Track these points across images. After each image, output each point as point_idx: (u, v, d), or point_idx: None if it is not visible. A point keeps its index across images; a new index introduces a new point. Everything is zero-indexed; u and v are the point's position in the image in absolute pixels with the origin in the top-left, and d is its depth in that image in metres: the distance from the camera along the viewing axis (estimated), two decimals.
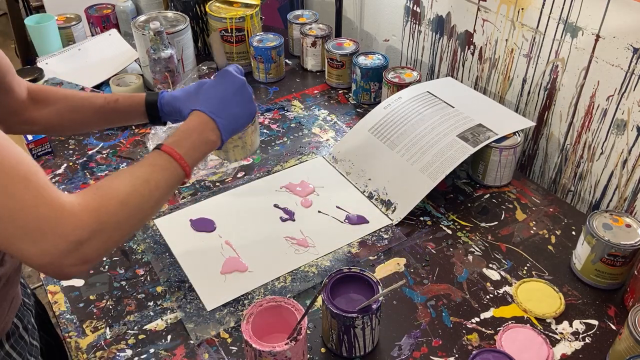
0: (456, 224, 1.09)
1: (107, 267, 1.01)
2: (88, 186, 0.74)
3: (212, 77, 0.90)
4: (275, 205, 1.13)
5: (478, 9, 1.29)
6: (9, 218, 0.57)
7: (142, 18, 1.46)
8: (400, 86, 1.32)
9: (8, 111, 0.88)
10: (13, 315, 0.81)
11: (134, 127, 1.34)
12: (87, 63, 1.50)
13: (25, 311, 0.85)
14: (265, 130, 1.34)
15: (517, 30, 1.22)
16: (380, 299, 0.81)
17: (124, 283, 0.98)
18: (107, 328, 0.90)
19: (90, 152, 1.27)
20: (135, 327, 0.90)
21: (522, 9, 1.19)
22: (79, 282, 0.98)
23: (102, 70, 1.48)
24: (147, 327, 0.90)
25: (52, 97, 0.93)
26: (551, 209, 1.12)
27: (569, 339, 0.87)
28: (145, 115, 0.95)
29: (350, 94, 1.48)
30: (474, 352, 0.80)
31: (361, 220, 1.09)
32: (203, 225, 1.08)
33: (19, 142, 1.23)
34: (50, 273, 0.62)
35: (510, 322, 0.90)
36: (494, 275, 0.98)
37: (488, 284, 0.97)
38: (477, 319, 0.91)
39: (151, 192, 0.71)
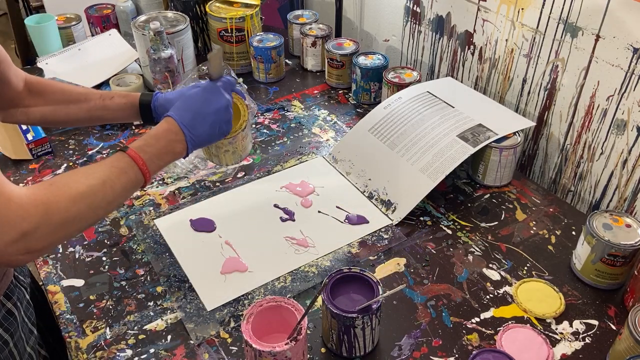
0: (456, 224, 1.09)
1: (107, 267, 1.01)
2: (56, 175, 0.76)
3: (201, 83, 0.90)
4: (275, 205, 1.13)
5: (478, 9, 1.29)
6: None
7: (142, 18, 1.46)
8: (400, 86, 1.32)
9: (4, 100, 0.88)
10: (1, 292, 0.81)
11: (134, 127, 1.34)
12: (87, 63, 1.50)
13: (16, 289, 0.85)
14: (265, 130, 1.34)
15: (517, 30, 1.22)
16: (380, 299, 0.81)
17: (124, 283, 0.98)
18: (107, 328, 0.90)
19: (90, 152, 1.27)
20: (135, 327, 0.90)
21: (522, 9, 1.19)
22: (79, 282, 0.98)
23: (102, 70, 1.48)
24: (147, 327, 0.90)
25: (49, 89, 0.93)
26: (551, 209, 1.12)
27: (569, 339, 0.87)
28: (139, 115, 0.96)
29: (350, 94, 1.48)
30: (474, 352, 0.80)
31: (361, 220, 1.09)
32: (203, 225, 1.08)
33: (18, 142, 1.23)
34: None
35: (510, 322, 0.90)
36: (494, 275, 0.98)
37: (488, 284, 0.97)
38: (477, 319, 0.91)
39: (105, 194, 0.71)
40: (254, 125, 1.36)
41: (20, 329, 0.85)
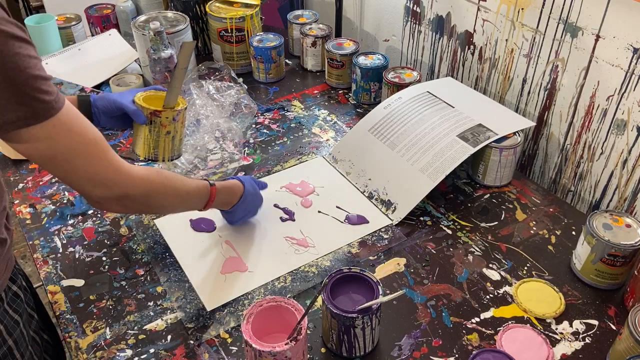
0: (456, 224, 1.09)
1: (107, 267, 1.01)
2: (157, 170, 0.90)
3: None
4: (275, 205, 1.13)
5: (478, 9, 1.29)
6: (81, 168, 0.73)
7: (142, 18, 1.46)
8: (400, 86, 1.32)
9: None
10: (9, 275, 0.85)
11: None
12: (87, 63, 1.51)
13: (17, 273, 0.89)
14: (265, 130, 1.34)
15: (517, 30, 1.22)
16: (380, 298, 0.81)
17: (124, 283, 0.98)
18: (107, 328, 0.90)
19: None
20: (135, 327, 0.90)
21: (522, 9, 1.19)
22: (79, 282, 0.98)
23: (102, 70, 1.48)
24: (147, 327, 0.90)
25: None
26: (551, 209, 1.12)
27: (569, 339, 0.87)
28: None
29: (350, 94, 1.48)
30: (474, 352, 0.80)
31: (361, 220, 1.09)
32: (203, 225, 1.08)
33: None
34: (94, 205, 0.79)
35: (510, 322, 0.90)
36: (494, 275, 0.98)
37: (488, 284, 0.97)
38: (477, 319, 0.91)
39: (184, 200, 0.91)
40: (254, 125, 1.36)
41: (25, 312, 0.88)
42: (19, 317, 0.85)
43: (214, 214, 1.10)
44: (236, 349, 0.87)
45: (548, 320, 0.90)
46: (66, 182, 0.75)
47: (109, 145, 0.77)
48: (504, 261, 1.01)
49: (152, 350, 0.87)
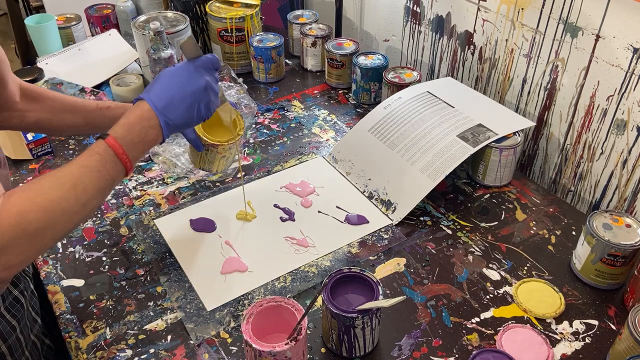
0: (456, 224, 1.09)
1: (107, 267, 1.01)
2: (27, 182, 0.73)
3: (178, 64, 0.86)
4: (275, 205, 1.13)
5: (478, 9, 1.29)
6: None
7: (142, 18, 1.46)
8: (400, 86, 1.32)
9: (0, 104, 0.89)
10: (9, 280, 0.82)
11: None
12: (87, 63, 1.50)
13: (22, 278, 0.87)
14: (265, 130, 1.34)
15: (517, 30, 1.22)
16: (380, 298, 0.81)
17: (124, 283, 0.98)
18: (107, 328, 0.90)
19: None
20: (135, 327, 0.90)
21: (522, 9, 1.19)
22: (79, 282, 0.98)
23: (102, 70, 1.48)
24: (147, 327, 0.90)
25: (45, 95, 0.94)
26: (551, 209, 1.12)
27: (569, 339, 0.87)
28: None
29: (350, 94, 1.48)
30: (474, 352, 0.80)
31: (361, 220, 1.09)
32: (203, 225, 1.08)
33: (18, 142, 1.23)
34: None
35: (510, 322, 0.90)
36: (494, 275, 0.98)
37: (488, 284, 0.97)
38: (477, 319, 0.91)
39: (77, 197, 0.69)
40: (254, 125, 1.36)
41: (26, 316, 0.86)
42: (16, 322, 0.84)
43: (214, 214, 1.10)
44: (236, 349, 0.87)
45: (548, 320, 0.90)
46: None
47: None
48: (504, 261, 1.01)
49: (152, 350, 0.87)
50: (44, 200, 0.65)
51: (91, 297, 0.95)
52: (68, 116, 0.94)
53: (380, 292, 0.82)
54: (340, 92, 1.50)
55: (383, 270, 1.00)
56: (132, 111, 0.78)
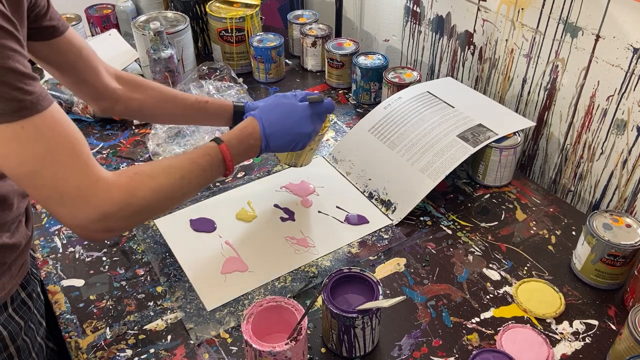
0: (456, 224, 1.09)
1: (107, 267, 1.01)
2: (138, 165, 0.83)
3: (298, 97, 0.98)
4: (276, 205, 1.13)
5: (478, 9, 1.29)
6: (51, 182, 0.64)
7: (142, 18, 1.46)
8: (400, 86, 1.32)
9: (97, 90, 0.94)
10: (20, 281, 0.83)
11: (134, 127, 1.34)
12: None
13: (31, 280, 0.88)
14: None
15: (517, 30, 1.22)
16: (380, 298, 0.81)
17: (124, 283, 0.98)
18: (107, 328, 0.90)
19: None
20: (135, 327, 0.90)
21: (522, 9, 1.19)
22: (79, 282, 0.98)
23: None
24: (147, 327, 0.90)
25: (146, 84, 1.02)
26: (551, 209, 1.12)
27: (569, 339, 0.87)
28: (229, 120, 1.05)
29: (350, 94, 1.48)
30: (474, 352, 0.80)
31: (361, 220, 1.09)
32: (203, 225, 1.08)
33: None
34: (78, 234, 0.71)
35: (510, 322, 0.90)
36: (494, 275, 0.98)
37: (488, 284, 0.97)
38: (477, 319, 0.91)
39: (182, 187, 0.79)
40: None
41: (32, 319, 0.87)
42: (24, 323, 0.84)
43: (214, 214, 1.10)
44: (236, 349, 0.87)
45: (548, 320, 0.90)
46: (38, 201, 0.67)
47: (91, 159, 0.68)
48: (504, 261, 1.01)
49: (152, 350, 0.87)
50: (154, 183, 0.74)
51: (91, 297, 0.95)
52: (169, 105, 1.02)
53: (380, 292, 0.82)
54: (340, 92, 1.50)
55: (383, 270, 1.00)
56: (245, 127, 0.91)
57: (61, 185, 0.65)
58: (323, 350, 0.86)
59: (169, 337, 0.89)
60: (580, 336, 0.88)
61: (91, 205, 0.67)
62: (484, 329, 0.89)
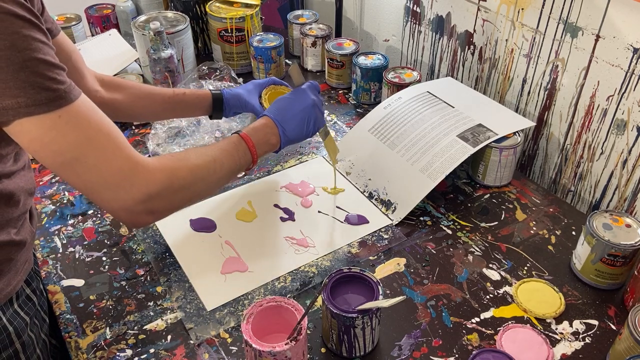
0: (456, 224, 1.09)
1: (107, 267, 1.01)
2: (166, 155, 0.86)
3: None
4: (276, 205, 1.13)
5: (478, 9, 1.29)
6: (94, 168, 0.67)
7: (142, 18, 1.46)
8: (400, 86, 1.32)
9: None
10: (24, 277, 0.84)
11: (134, 127, 1.34)
12: (87, 63, 1.49)
13: (34, 277, 0.89)
14: None
15: (517, 30, 1.22)
16: (380, 298, 0.81)
17: (124, 283, 0.98)
18: (107, 328, 0.90)
19: None
20: (135, 327, 0.90)
21: (522, 9, 1.19)
22: (79, 282, 0.98)
23: (102, 71, 1.46)
24: (147, 327, 0.90)
25: (124, 84, 1.05)
26: (551, 209, 1.12)
27: (569, 339, 0.87)
28: (208, 109, 1.10)
29: (350, 94, 1.48)
30: (474, 352, 0.80)
31: (361, 220, 1.09)
32: (203, 225, 1.08)
33: None
34: (122, 219, 0.74)
35: (510, 322, 0.90)
36: (494, 275, 0.98)
37: (488, 284, 0.97)
38: (477, 319, 0.91)
39: (215, 170, 0.84)
40: None
41: (37, 315, 0.88)
42: (29, 319, 0.85)
43: (214, 214, 1.10)
44: (236, 349, 0.87)
45: (548, 320, 0.90)
46: (81, 188, 0.69)
47: (128, 143, 0.72)
48: (504, 261, 1.01)
49: (152, 350, 0.87)
50: (191, 164, 0.80)
51: (91, 297, 0.95)
52: (146, 101, 1.05)
53: (380, 292, 0.82)
54: (340, 92, 1.50)
55: (383, 270, 1.00)
56: (258, 121, 0.97)
57: (104, 170, 0.68)
58: (323, 350, 0.87)
59: (169, 337, 0.89)
60: (580, 336, 0.88)
61: (136, 186, 0.70)
62: (484, 329, 0.89)
